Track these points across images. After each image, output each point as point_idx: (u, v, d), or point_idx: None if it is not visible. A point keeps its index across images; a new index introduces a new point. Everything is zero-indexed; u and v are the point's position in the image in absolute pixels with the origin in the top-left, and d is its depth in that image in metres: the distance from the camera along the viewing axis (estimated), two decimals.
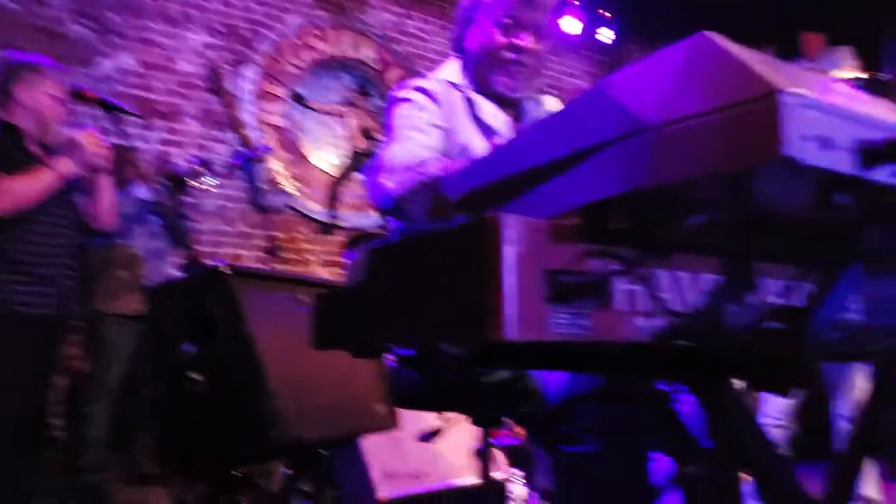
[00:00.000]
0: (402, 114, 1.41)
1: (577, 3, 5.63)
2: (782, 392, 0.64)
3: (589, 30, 6.03)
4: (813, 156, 0.54)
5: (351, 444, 1.99)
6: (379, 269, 0.78)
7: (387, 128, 1.42)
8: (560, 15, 5.73)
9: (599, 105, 0.64)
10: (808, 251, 0.75)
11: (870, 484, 1.95)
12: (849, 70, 5.68)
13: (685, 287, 0.75)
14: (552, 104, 1.56)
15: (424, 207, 1.15)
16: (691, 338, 0.72)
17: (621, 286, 0.69)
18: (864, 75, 5.52)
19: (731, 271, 0.75)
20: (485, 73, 1.45)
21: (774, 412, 2.54)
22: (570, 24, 5.79)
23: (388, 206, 1.26)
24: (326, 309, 0.87)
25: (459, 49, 1.51)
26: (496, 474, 2.27)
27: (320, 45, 4.67)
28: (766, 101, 0.51)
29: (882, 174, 0.58)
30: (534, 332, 0.63)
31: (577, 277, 0.66)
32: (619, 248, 0.69)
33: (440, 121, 1.39)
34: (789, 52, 5.58)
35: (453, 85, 1.45)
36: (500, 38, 1.41)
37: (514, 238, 0.63)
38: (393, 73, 4.90)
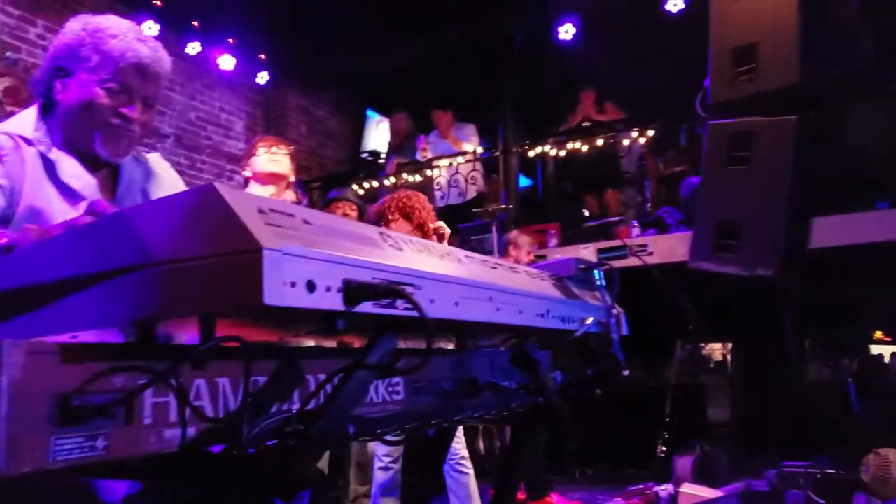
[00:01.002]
0: None
1: (231, 41, 5.59)
2: (288, 497, 0.72)
3: (245, 68, 6.03)
4: (299, 299, 0.63)
5: None
6: None
7: None
8: (217, 52, 5.62)
9: (122, 232, 0.65)
10: (334, 357, 0.87)
11: None
12: (472, 143, 6.73)
13: (223, 393, 0.79)
14: (155, 162, 1.50)
15: None
16: (223, 442, 0.76)
17: (150, 399, 0.70)
18: (480, 149, 6.50)
19: (277, 378, 0.82)
20: (81, 132, 1.32)
21: (383, 455, 2.82)
22: (225, 62, 5.73)
23: None
24: None
25: (43, 95, 1.36)
26: None
27: None
28: (252, 256, 0.59)
29: (365, 307, 0.71)
30: (32, 464, 0.61)
31: (94, 398, 0.66)
32: (149, 361, 0.70)
33: (1, 180, 1.23)
34: (425, 121, 6.39)
35: (26, 140, 1.29)
36: (105, 101, 1.30)
37: (13, 365, 0.60)
38: (2, 84, 4.21)
